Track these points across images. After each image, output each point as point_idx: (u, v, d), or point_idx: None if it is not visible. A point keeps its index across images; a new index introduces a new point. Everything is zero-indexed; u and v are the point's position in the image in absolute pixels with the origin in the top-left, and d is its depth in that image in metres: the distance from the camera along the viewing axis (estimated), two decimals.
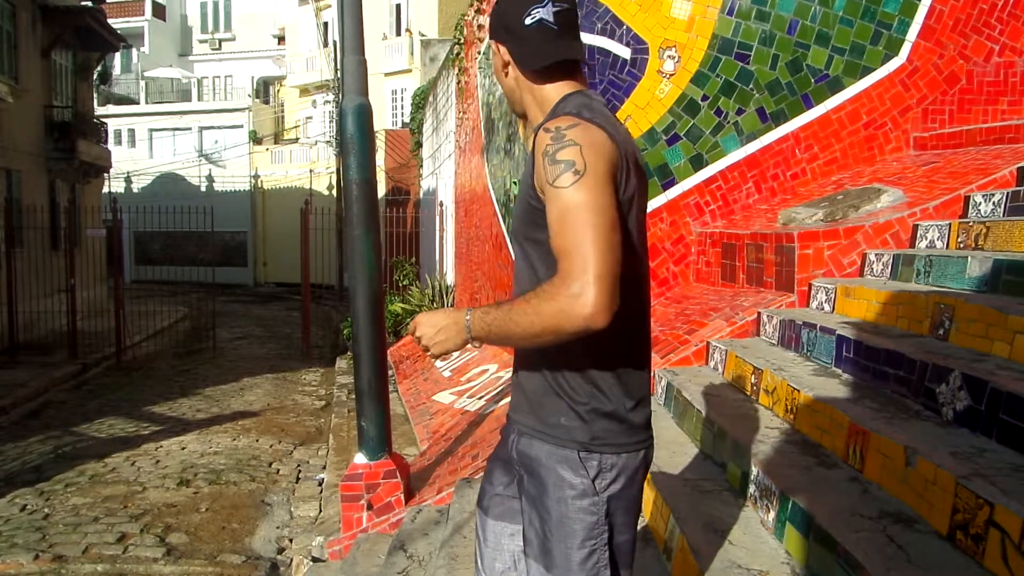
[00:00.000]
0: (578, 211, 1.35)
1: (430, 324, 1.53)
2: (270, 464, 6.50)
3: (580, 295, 1.31)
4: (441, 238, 12.11)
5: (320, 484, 5.83)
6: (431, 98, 13.96)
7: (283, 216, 24.31)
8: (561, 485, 1.51)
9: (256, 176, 27.83)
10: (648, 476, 2.83)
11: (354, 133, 4.24)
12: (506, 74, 1.65)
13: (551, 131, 1.43)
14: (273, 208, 26.90)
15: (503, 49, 1.63)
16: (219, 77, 31.99)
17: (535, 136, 1.49)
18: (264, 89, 31.76)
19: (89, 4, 16.14)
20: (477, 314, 1.46)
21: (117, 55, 26.32)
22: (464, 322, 1.48)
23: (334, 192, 21.73)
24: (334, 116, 20.44)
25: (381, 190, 16.36)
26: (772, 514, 2.26)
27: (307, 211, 12.83)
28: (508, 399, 1.76)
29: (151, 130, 28.95)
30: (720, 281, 4.83)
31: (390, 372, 8.37)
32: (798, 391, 2.77)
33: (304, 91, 28.65)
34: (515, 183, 6.22)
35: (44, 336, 12.16)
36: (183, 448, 6.89)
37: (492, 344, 1.50)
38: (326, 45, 24.36)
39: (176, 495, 5.68)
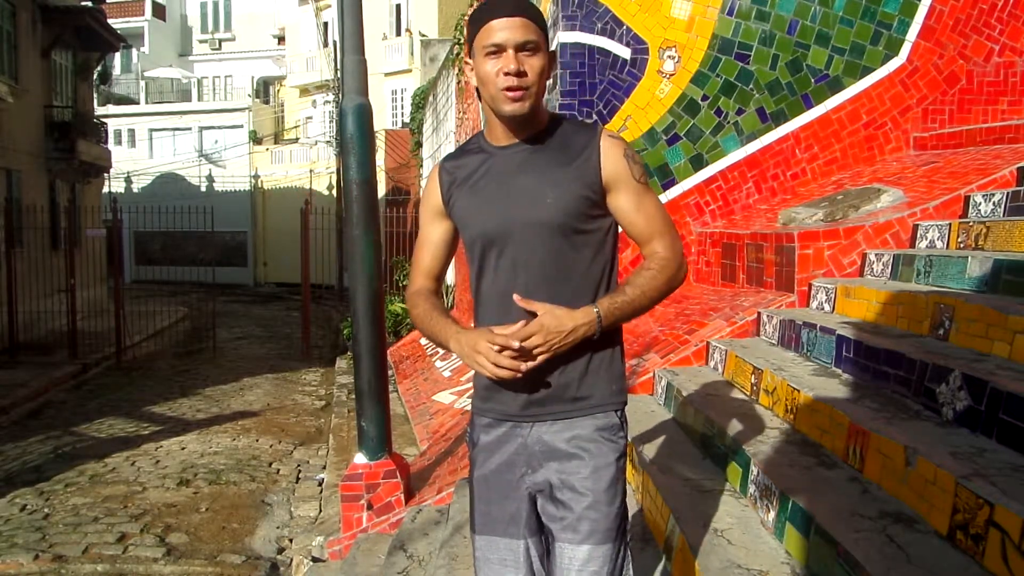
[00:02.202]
0: (660, 203, 1.73)
1: (558, 330, 1.55)
2: (270, 464, 6.50)
3: (684, 261, 1.70)
4: None
5: (320, 484, 5.83)
6: (431, 98, 13.97)
7: (283, 216, 24.28)
8: (605, 452, 1.65)
9: (256, 176, 27.81)
10: (647, 475, 2.83)
11: (354, 133, 4.24)
12: (548, 77, 1.67)
13: (619, 138, 1.69)
14: (273, 208, 26.88)
15: (549, 55, 1.67)
16: (219, 77, 31.98)
17: (600, 138, 1.66)
18: (264, 89, 31.75)
19: (89, 4, 16.14)
20: (604, 305, 1.60)
21: (117, 55, 26.32)
22: (595, 316, 1.58)
23: (334, 192, 21.72)
24: (334, 116, 20.43)
25: (381, 190, 16.35)
26: (772, 514, 2.26)
27: (307, 211, 12.83)
28: None
29: (151, 130, 28.94)
30: (720, 281, 4.83)
31: (390, 372, 8.37)
32: (798, 391, 2.77)
33: (304, 91, 28.63)
34: None
35: (44, 336, 12.15)
36: (183, 448, 6.89)
37: (610, 327, 1.62)
38: (326, 45, 24.35)
39: (176, 495, 5.68)
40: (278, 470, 6.35)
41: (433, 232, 1.80)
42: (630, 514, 2.87)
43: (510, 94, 1.58)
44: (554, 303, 1.60)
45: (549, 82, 1.70)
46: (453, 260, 1.84)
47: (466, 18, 8.66)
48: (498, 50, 1.57)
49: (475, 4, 8.01)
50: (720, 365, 3.71)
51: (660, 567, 2.46)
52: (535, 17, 1.60)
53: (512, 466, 1.68)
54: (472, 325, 1.77)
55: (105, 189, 18.82)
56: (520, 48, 1.57)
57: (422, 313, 1.73)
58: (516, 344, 1.52)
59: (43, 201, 13.84)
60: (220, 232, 23.17)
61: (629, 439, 1.70)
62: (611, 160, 1.64)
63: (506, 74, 1.57)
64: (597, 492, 1.62)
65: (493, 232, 1.65)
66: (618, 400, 1.69)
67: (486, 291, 1.70)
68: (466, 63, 1.67)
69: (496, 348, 1.53)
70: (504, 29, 1.57)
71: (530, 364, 1.54)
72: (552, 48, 1.69)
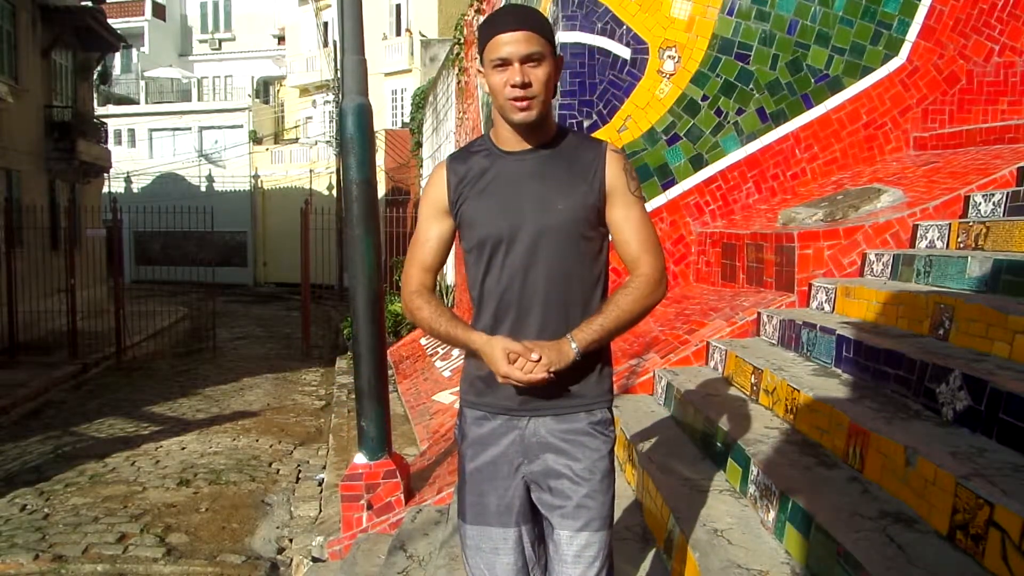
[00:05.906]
0: (649, 219, 1.81)
1: (556, 358, 1.66)
2: (270, 464, 6.50)
3: (664, 278, 1.78)
4: None
5: (320, 484, 5.83)
6: (431, 98, 13.96)
7: (283, 216, 24.29)
8: (599, 445, 1.76)
9: (256, 176, 27.80)
10: (647, 475, 2.83)
11: (354, 133, 4.24)
12: (555, 82, 1.74)
13: (621, 152, 1.80)
14: (273, 208, 26.87)
15: (556, 61, 1.73)
16: (219, 77, 31.96)
17: (607, 151, 1.76)
18: (264, 89, 31.74)
19: (89, 4, 16.14)
20: (579, 336, 1.68)
21: (117, 55, 26.29)
22: (571, 347, 1.68)
23: (334, 192, 21.72)
24: (334, 116, 20.42)
25: (381, 190, 16.34)
26: (772, 514, 2.26)
27: (307, 211, 12.84)
28: None
29: (151, 130, 28.93)
30: (720, 281, 4.83)
31: (390, 372, 8.37)
32: (798, 391, 2.77)
33: (304, 91, 28.63)
34: None
35: (44, 336, 12.15)
36: (183, 448, 6.89)
37: (589, 350, 1.70)
38: (326, 45, 24.34)
39: (176, 495, 5.68)
40: (278, 470, 6.35)
41: (433, 230, 1.84)
42: (629, 513, 2.88)
43: (518, 104, 1.67)
44: (557, 302, 1.73)
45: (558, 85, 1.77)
46: (454, 260, 1.87)
47: (467, 19, 8.65)
48: (504, 63, 1.66)
49: (475, 5, 8.00)
50: (720, 365, 3.71)
51: (660, 567, 2.47)
52: (540, 28, 1.68)
53: (508, 457, 1.76)
54: (471, 322, 1.82)
55: (105, 189, 18.82)
56: (525, 60, 1.66)
57: (431, 315, 1.78)
58: (535, 356, 1.64)
59: (43, 201, 13.84)
60: (220, 232, 23.18)
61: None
62: (613, 172, 1.75)
63: (512, 86, 1.66)
64: (594, 482, 1.73)
65: (504, 234, 1.72)
66: (608, 398, 1.81)
67: (490, 289, 1.76)
68: (479, 71, 1.76)
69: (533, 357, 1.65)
70: (509, 43, 1.65)
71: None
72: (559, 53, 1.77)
